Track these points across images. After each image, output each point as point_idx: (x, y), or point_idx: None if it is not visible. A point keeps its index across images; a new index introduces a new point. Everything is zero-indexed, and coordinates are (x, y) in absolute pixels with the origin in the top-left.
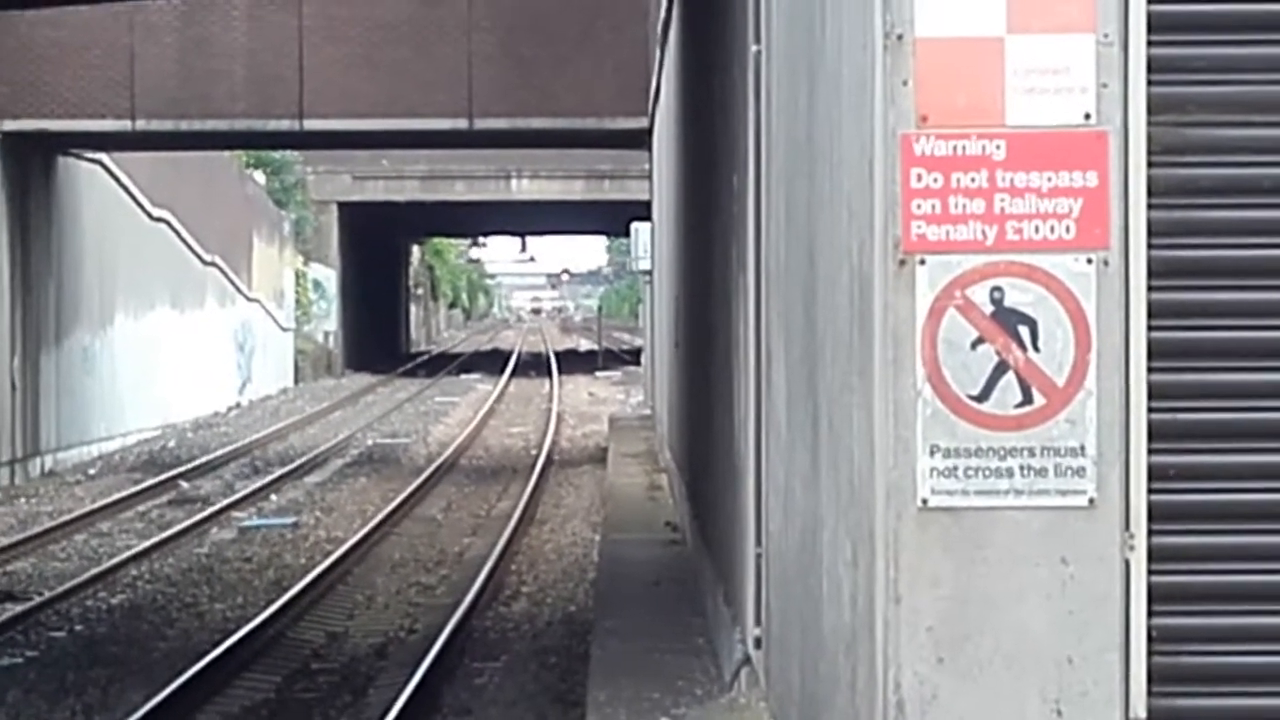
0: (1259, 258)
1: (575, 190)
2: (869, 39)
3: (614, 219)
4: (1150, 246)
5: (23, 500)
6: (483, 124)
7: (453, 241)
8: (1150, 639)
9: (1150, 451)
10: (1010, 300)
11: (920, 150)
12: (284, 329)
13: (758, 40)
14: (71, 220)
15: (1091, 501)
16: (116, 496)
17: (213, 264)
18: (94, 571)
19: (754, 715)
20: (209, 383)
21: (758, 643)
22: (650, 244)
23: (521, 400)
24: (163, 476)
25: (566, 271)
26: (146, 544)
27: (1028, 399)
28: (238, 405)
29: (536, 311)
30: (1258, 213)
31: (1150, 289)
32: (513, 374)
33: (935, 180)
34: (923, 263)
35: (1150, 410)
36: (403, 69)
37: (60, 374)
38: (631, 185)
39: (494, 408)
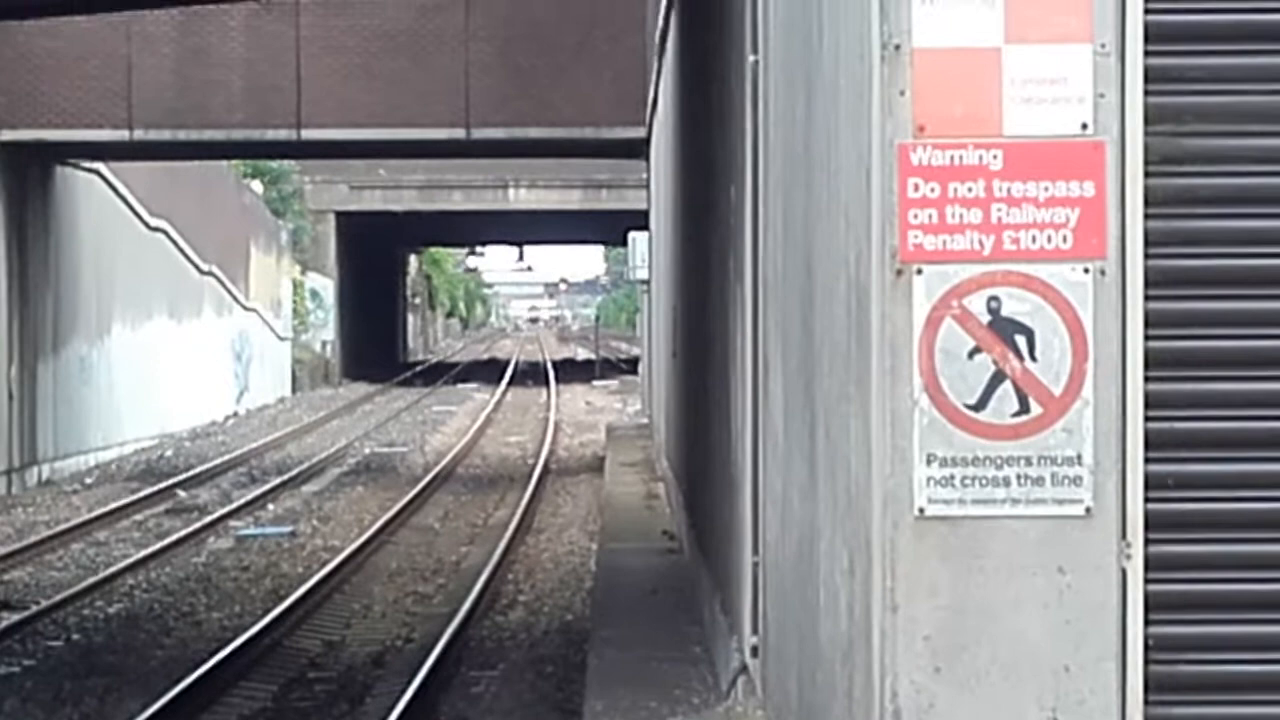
0: (1256, 267)
1: (573, 200)
2: (866, 49)
3: (611, 228)
4: (1147, 256)
5: (20, 509)
6: (480, 133)
7: (450, 251)
8: (1147, 648)
9: (1147, 460)
10: (1007, 310)
11: (917, 160)
12: (281, 338)
13: (755, 50)
14: (69, 230)
15: (1088, 510)
16: (113, 506)
17: (210, 273)
18: (91, 580)
19: None
20: (206, 392)
21: (755, 651)
22: (648, 253)
23: (519, 409)
24: (160, 486)
25: (564, 281)
26: (143, 553)
27: (1024, 408)
28: (235, 414)
29: (534, 321)
30: (1254, 222)
31: (1147, 298)
32: (510, 383)
33: (932, 190)
34: (920, 272)
35: (1147, 419)
36: (400, 79)
37: (57, 383)
38: (629, 195)
39: (491, 417)
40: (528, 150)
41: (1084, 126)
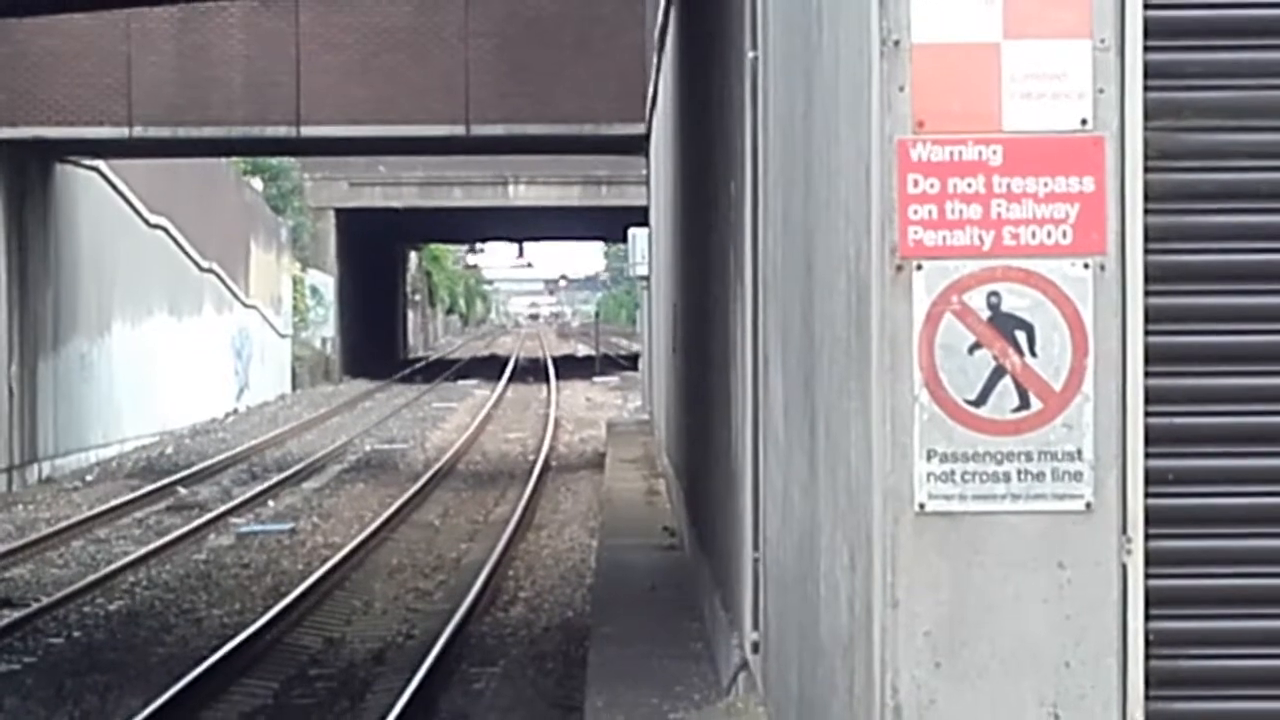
0: (1256, 262)
1: (572, 196)
2: (866, 45)
3: (611, 225)
4: (1147, 251)
5: (20, 507)
6: (480, 130)
7: (450, 247)
8: (1148, 643)
9: (1147, 456)
10: (1007, 305)
11: (917, 156)
12: (281, 335)
13: (754, 46)
14: (69, 227)
15: (1089, 506)
16: (114, 503)
17: (210, 270)
18: (92, 578)
19: None
20: (206, 389)
21: (755, 647)
22: (648, 250)
23: (519, 406)
24: (160, 483)
25: (564, 277)
26: (144, 550)
27: (1025, 404)
28: (235, 411)
29: (534, 317)
30: (1254, 218)
31: (1147, 294)
32: (510, 379)
33: (932, 186)
34: (920, 268)
35: (1147, 414)
36: (400, 75)
37: (58, 381)
38: (629, 191)
39: (491, 413)
40: (527, 147)
41: (1083, 122)
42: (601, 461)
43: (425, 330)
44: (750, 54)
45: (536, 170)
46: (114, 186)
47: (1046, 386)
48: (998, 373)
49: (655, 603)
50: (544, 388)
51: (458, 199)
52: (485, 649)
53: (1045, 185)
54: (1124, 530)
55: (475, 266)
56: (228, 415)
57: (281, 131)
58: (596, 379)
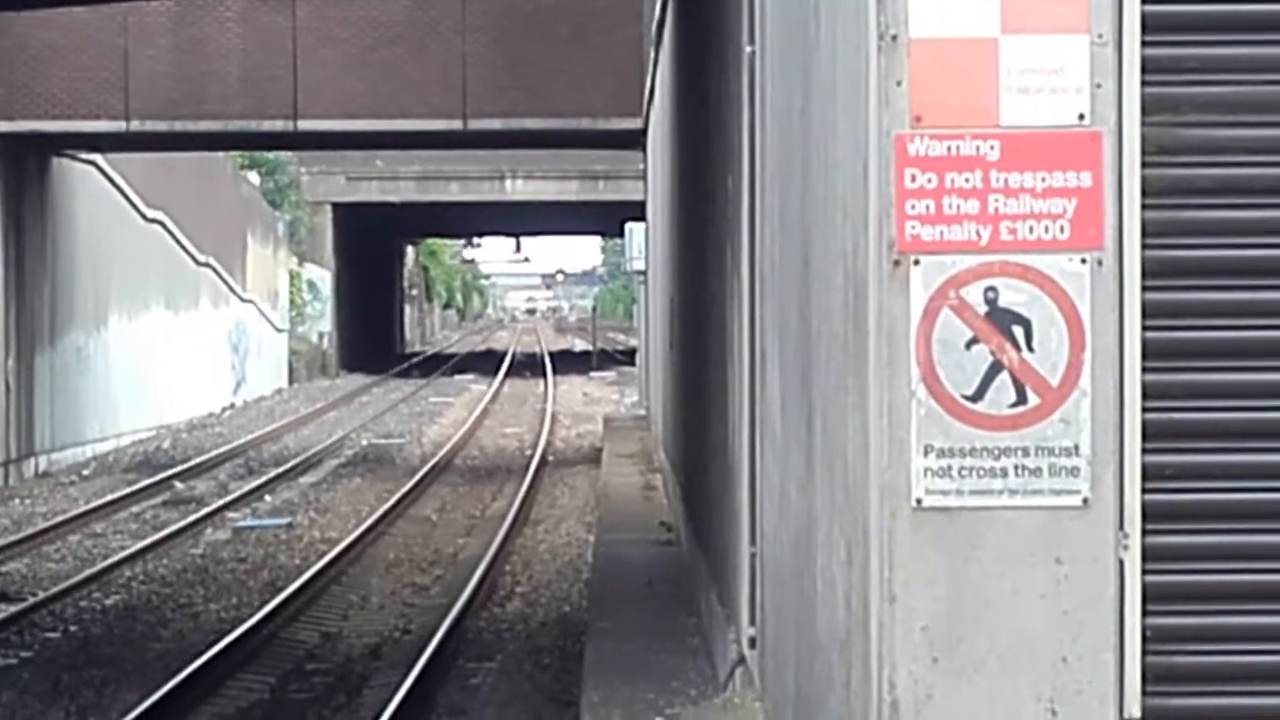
0: (1253, 258)
1: (570, 191)
2: (863, 40)
3: (608, 219)
4: (1144, 246)
5: (17, 501)
6: (477, 124)
7: (447, 242)
8: (1145, 638)
9: (1144, 451)
10: (1004, 300)
11: (914, 151)
12: (278, 330)
13: (752, 41)
14: (66, 221)
15: (1086, 501)
16: (111, 497)
17: (207, 265)
18: (88, 572)
19: (748, 715)
20: (203, 383)
21: (752, 643)
22: (645, 244)
23: (516, 401)
24: (157, 477)
25: (561, 272)
26: (141, 545)
27: (1022, 399)
28: (232, 406)
29: (531, 312)
30: (1251, 213)
31: (1144, 289)
32: (507, 374)
33: (929, 181)
34: (917, 263)
35: (1144, 410)
36: (396, 69)
37: (54, 375)
38: (626, 186)
39: (488, 408)
40: (524, 141)
41: (1081, 117)
42: (598, 456)
43: (422, 325)
44: (748, 49)
45: (534, 165)
46: (111, 180)
47: (1044, 382)
48: (995, 368)
49: (652, 598)
50: (541, 383)
51: (455, 193)
52: (482, 644)
53: (1043, 180)
54: (1121, 525)
55: (472, 261)
56: (224, 410)
57: (278, 125)
58: (593, 374)
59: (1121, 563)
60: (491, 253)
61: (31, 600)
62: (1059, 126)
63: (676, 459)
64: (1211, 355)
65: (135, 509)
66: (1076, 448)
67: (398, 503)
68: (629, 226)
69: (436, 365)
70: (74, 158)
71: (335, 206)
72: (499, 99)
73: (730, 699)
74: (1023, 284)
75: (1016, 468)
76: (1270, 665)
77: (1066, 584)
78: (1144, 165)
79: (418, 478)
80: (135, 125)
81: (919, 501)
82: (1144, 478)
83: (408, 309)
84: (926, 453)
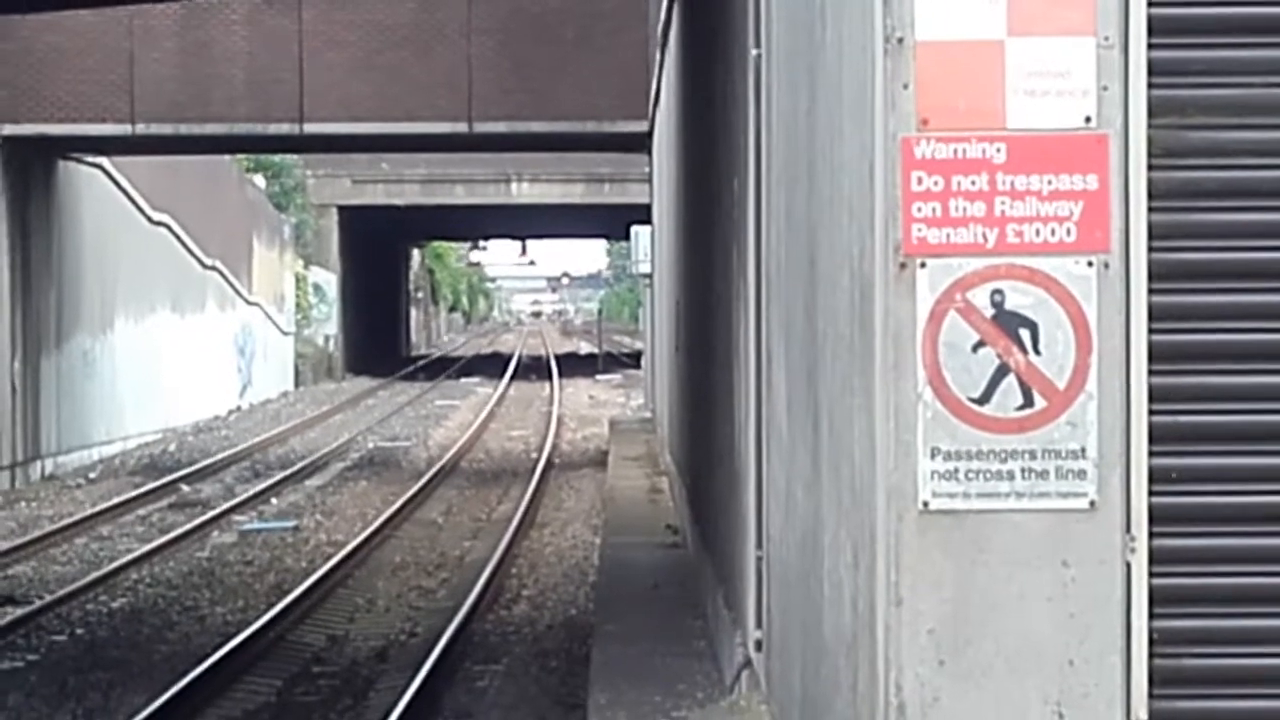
0: (1259, 260)
1: (575, 193)
2: (869, 42)
3: (614, 222)
4: (1151, 249)
5: (23, 504)
6: (482, 127)
7: (453, 245)
8: (1151, 641)
9: (1151, 454)
10: (1011, 303)
11: (921, 153)
12: (284, 333)
13: (758, 44)
14: (72, 224)
15: (1092, 504)
16: (117, 500)
17: (213, 268)
18: (94, 575)
19: (755, 718)
20: (209, 386)
21: (758, 645)
22: (650, 247)
23: (522, 404)
24: (163, 480)
25: (566, 275)
26: (147, 548)
27: (1029, 402)
28: (238, 409)
29: (537, 315)
30: (1258, 215)
31: (1151, 292)
32: (513, 377)
33: (936, 183)
34: (923, 266)
35: (1151, 413)
36: (402, 72)
37: (61, 378)
38: (631, 188)
39: (494, 411)
40: (530, 144)
41: (1087, 119)
42: (604, 459)
43: (428, 328)
44: (753, 51)
45: (539, 168)
46: (117, 183)
47: (1050, 385)
48: (1001, 371)
49: (658, 601)
50: (546, 385)
51: (460, 196)
52: (488, 647)
53: (1049, 183)
54: (1128, 529)
55: (478, 264)
56: (230, 413)
57: (284, 128)
58: (599, 377)
59: (1128, 565)
60: (497, 256)
61: (38, 603)
62: (1065, 129)
63: (682, 462)
64: (1218, 358)
65: (141, 512)
66: (1083, 450)
67: (404, 506)
68: (634, 229)
69: (442, 368)
70: (80, 161)
71: (341, 209)
72: (504, 102)
73: (736, 702)
74: (1029, 287)
75: (1023, 470)
76: (1278, 668)
77: (1073, 587)
78: (1150, 168)
79: (424, 481)
80: (141, 128)
81: (926, 504)
82: (1151, 480)
83: (413, 312)
84: (933, 455)
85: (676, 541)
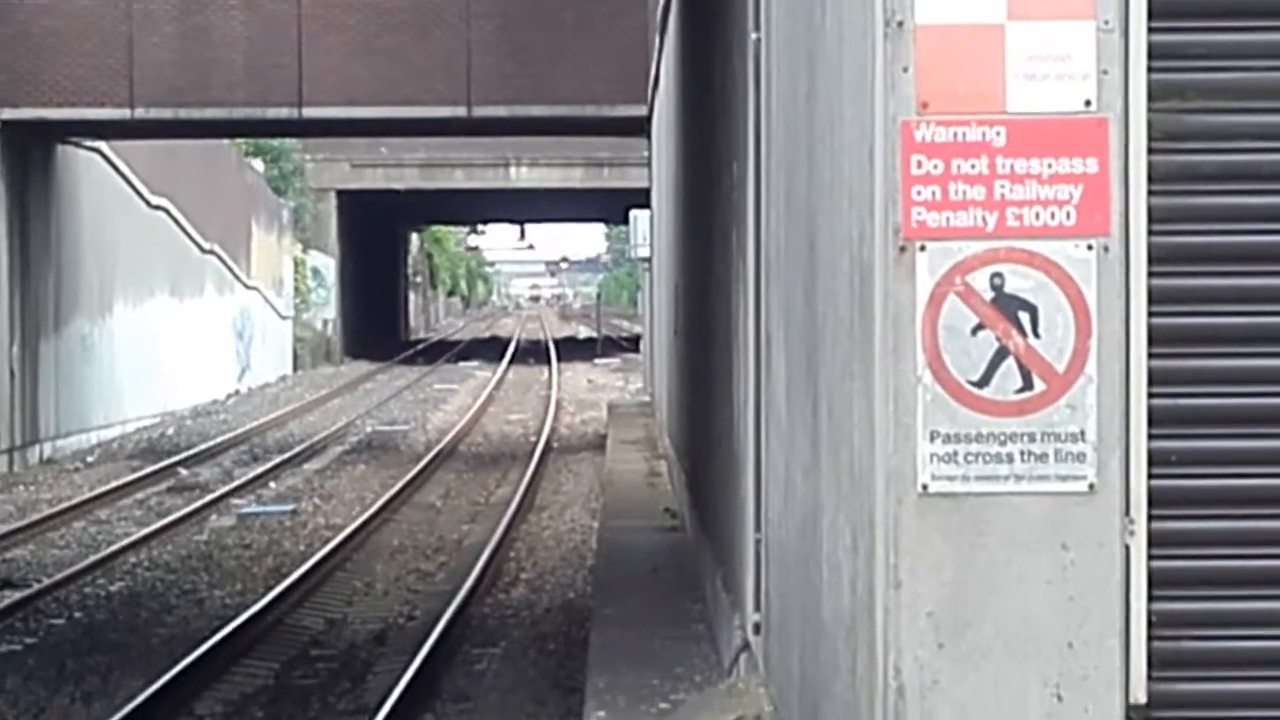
0: (1259, 244)
1: (574, 178)
2: (869, 25)
3: (613, 206)
4: (1150, 233)
5: (21, 487)
6: (481, 112)
7: (451, 229)
8: (1150, 624)
9: (1150, 437)
10: (1010, 286)
11: (921, 137)
12: (283, 317)
13: (757, 27)
14: (70, 208)
15: (1092, 487)
16: (115, 484)
17: (211, 252)
18: (93, 559)
19: (753, 701)
20: (208, 370)
21: (757, 629)
22: (649, 231)
23: (520, 387)
24: (162, 464)
25: (565, 259)
26: (145, 531)
27: (1028, 385)
28: (236, 393)
29: (535, 299)
30: (1257, 199)
31: (1150, 275)
32: (511, 361)
33: (936, 167)
34: (923, 249)
35: (1150, 396)
36: (401, 57)
37: (59, 361)
38: (631, 173)
39: (493, 395)
40: (529, 128)
41: (1087, 103)
42: (603, 443)
43: (426, 312)
44: (753, 35)
45: (538, 152)
46: (115, 168)
47: (1050, 368)
48: (1001, 354)
49: (657, 584)
50: (545, 369)
51: (459, 180)
52: (487, 630)
53: (1049, 166)
54: (1127, 511)
55: (476, 248)
56: (229, 396)
57: (283, 113)
58: (598, 361)
59: (1127, 548)
60: (496, 240)
61: (36, 587)
62: (1065, 113)
63: (681, 445)
64: (1217, 341)
65: (140, 495)
66: (1082, 433)
67: (402, 489)
68: (633, 213)
69: (441, 352)
70: (79, 145)
71: (340, 193)
72: (504, 86)
73: (735, 685)
74: (1029, 270)
75: (1023, 453)
76: (1276, 650)
77: (1072, 569)
78: (1150, 151)
79: (422, 464)
80: (140, 112)
81: (925, 487)
82: (1150, 463)
83: (412, 296)
84: (932, 438)
85: (675, 525)
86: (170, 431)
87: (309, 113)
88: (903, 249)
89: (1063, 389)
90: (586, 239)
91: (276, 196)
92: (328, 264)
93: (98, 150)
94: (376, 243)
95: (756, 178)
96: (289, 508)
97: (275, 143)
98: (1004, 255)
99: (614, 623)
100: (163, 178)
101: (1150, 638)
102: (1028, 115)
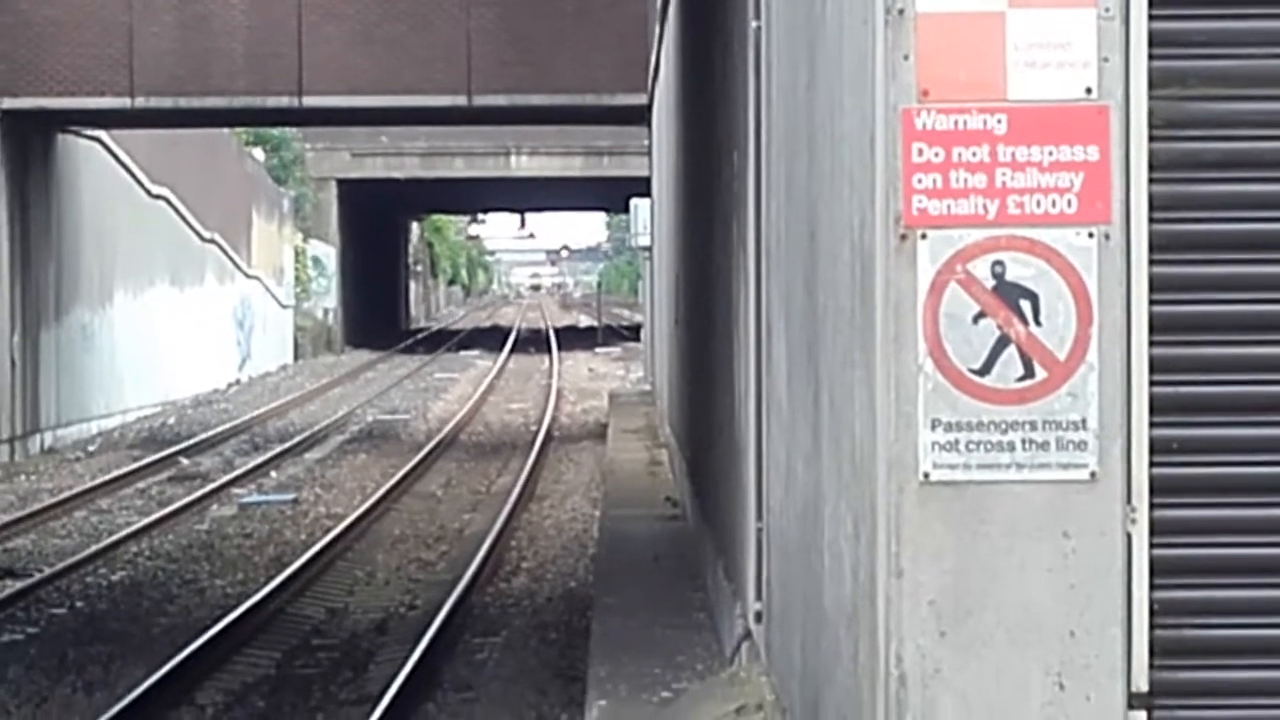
0: (1260, 231)
1: (574, 166)
2: (870, 13)
3: (613, 195)
4: (1151, 220)
5: (22, 477)
6: (481, 100)
7: (452, 218)
8: (1152, 612)
9: (1152, 425)
10: (1012, 274)
11: (921, 125)
12: (283, 306)
13: (758, 16)
14: (71, 198)
15: (1093, 475)
16: (116, 473)
17: (212, 241)
18: (94, 548)
19: (755, 689)
20: (209, 360)
21: (758, 617)
22: (650, 220)
23: (521, 376)
24: (163, 453)
25: (566, 248)
26: (146, 521)
27: (1029, 373)
28: (237, 382)
29: (536, 288)
30: (1259, 186)
31: (1152, 263)
32: (512, 350)
33: (936, 155)
34: (924, 237)
35: (1152, 384)
36: (401, 45)
37: (60, 351)
38: (631, 161)
39: (494, 384)
40: (529, 117)
41: (1088, 91)
42: (604, 432)
43: (427, 301)
44: (753, 24)
45: (538, 141)
46: (116, 157)
47: (1051, 356)
48: (1002, 342)
49: (658, 573)
50: (546, 358)
51: (460, 169)
52: (488, 619)
53: (1050, 154)
54: (1129, 499)
55: (477, 237)
56: (230, 386)
57: (283, 102)
58: (599, 349)
59: (1129, 536)
60: (496, 229)
61: (38, 576)
62: (1066, 100)
63: (682, 434)
64: (1219, 329)
65: (141, 485)
66: (1084, 421)
67: (403, 478)
68: (634, 202)
69: (441, 341)
70: (79, 134)
71: (340, 183)
72: (504, 75)
73: (736, 673)
74: (1030, 258)
75: (1024, 441)
76: (1278, 638)
77: (1074, 558)
78: (1151, 139)
79: (423, 453)
80: (140, 102)
81: (926, 475)
82: (1151, 451)
83: (412, 285)
84: (934, 427)
85: (676, 514)
86: (171, 421)
87: (309, 102)
88: (904, 237)
89: (1064, 377)
90: (587, 228)
91: (277, 185)
92: (328, 253)
93: (98, 139)
94: (377, 232)
95: (757, 166)
96: (290, 497)
97: (275, 132)
98: (1005, 243)
99: (615, 611)
100: (163, 167)
101: (1152, 626)
102: (1028, 103)
